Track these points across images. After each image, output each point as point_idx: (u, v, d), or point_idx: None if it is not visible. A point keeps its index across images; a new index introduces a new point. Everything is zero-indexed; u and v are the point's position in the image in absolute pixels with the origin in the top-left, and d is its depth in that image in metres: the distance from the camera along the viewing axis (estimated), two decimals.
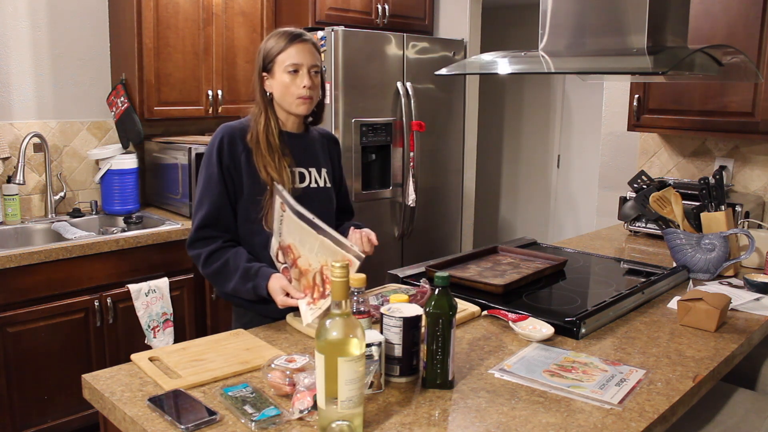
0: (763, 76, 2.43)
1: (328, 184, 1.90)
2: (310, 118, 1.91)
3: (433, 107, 3.73)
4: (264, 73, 1.78)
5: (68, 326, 2.63)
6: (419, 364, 1.40)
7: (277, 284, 1.63)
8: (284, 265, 1.66)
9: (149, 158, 3.39)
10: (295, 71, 1.74)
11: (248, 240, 1.80)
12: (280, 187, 1.63)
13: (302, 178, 1.83)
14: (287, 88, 1.75)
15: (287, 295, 1.61)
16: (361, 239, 1.77)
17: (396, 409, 1.27)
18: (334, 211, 1.94)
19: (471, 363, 1.50)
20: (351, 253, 1.50)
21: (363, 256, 1.51)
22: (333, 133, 3.17)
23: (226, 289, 1.76)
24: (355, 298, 1.40)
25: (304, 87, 1.74)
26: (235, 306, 1.88)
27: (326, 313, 1.18)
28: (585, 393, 1.34)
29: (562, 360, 1.51)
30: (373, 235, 1.80)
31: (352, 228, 1.87)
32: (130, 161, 3.19)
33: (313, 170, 1.87)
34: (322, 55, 3.26)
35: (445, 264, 2.15)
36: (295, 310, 1.76)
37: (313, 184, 1.86)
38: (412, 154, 3.53)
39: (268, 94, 1.79)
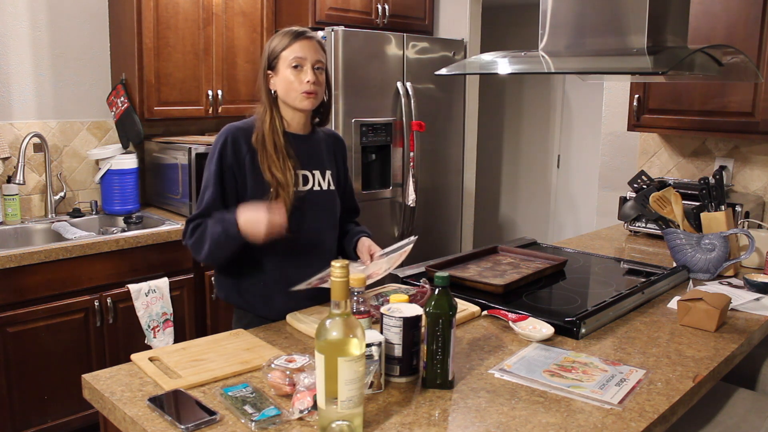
0: (763, 76, 2.43)
1: (332, 187, 1.89)
2: (317, 119, 1.90)
3: (433, 107, 3.73)
4: (269, 72, 1.78)
5: (68, 326, 2.63)
6: (419, 364, 1.40)
7: (246, 207, 1.65)
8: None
9: (149, 158, 3.39)
10: (299, 66, 1.73)
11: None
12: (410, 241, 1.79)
13: (306, 180, 1.83)
14: (291, 83, 1.74)
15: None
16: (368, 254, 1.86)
17: (396, 409, 1.27)
18: (338, 214, 1.93)
19: (471, 363, 1.50)
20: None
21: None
22: None
23: (204, 251, 1.72)
24: (355, 298, 1.40)
25: (308, 82, 1.73)
26: (236, 308, 1.88)
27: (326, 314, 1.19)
28: (585, 393, 1.34)
29: (562, 360, 1.51)
30: (374, 248, 1.87)
31: (360, 239, 1.92)
32: (130, 161, 3.19)
33: (317, 173, 1.86)
34: None
35: (445, 264, 2.15)
36: (293, 308, 1.77)
37: (317, 187, 1.85)
38: (412, 154, 3.53)
39: (273, 92, 1.79)
